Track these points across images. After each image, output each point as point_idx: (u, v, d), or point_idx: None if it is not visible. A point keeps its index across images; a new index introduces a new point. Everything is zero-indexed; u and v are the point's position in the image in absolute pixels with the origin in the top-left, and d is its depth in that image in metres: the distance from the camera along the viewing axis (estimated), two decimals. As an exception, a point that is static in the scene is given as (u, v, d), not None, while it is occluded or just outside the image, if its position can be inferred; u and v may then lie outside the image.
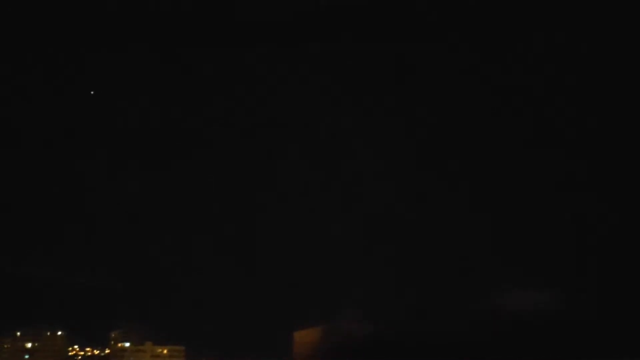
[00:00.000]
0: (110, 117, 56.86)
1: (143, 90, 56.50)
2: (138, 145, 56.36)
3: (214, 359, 53.24)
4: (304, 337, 49.72)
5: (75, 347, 57.53)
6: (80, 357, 57.71)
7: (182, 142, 57.02)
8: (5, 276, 52.30)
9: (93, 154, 56.18)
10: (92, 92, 56.24)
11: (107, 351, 57.23)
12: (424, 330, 46.13)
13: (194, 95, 57.28)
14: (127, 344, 55.97)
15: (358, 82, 55.27)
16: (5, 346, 55.27)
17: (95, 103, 57.01)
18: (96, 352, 57.94)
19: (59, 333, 56.55)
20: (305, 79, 54.38)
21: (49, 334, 56.17)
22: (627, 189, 48.62)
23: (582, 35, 50.29)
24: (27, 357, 54.94)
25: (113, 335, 56.77)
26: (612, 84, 49.88)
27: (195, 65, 56.81)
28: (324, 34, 54.62)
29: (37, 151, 56.12)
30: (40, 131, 56.07)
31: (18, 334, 55.69)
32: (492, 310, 46.86)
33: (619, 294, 45.33)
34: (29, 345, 55.33)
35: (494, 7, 51.86)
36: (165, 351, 55.70)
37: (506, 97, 52.03)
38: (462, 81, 53.47)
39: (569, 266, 48.36)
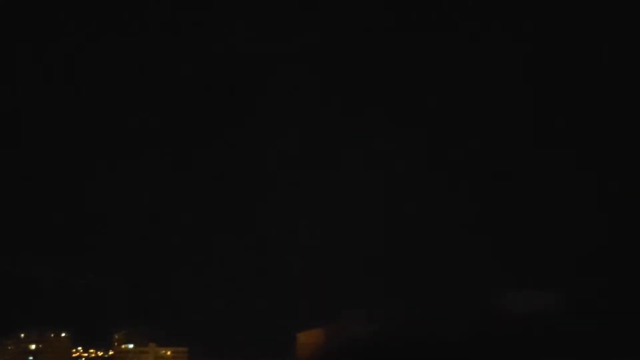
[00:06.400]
0: (112, 119, 56.83)
1: (142, 93, 56.47)
2: (141, 148, 56.36)
3: (217, 360, 53.42)
4: (308, 338, 49.95)
5: (79, 348, 57.68)
6: (84, 359, 57.89)
7: (184, 144, 57.02)
8: (10, 278, 52.39)
9: (97, 156, 56.15)
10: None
11: (110, 352, 57.37)
12: (425, 331, 46.29)
13: (195, 97, 57.20)
14: (131, 346, 56.16)
15: (357, 82, 55.31)
16: (10, 347, 55.46)
17: (96, 105, 56.92)
18: (100, 353, 58.09)
19: (63, 334, 56.71)
20: (304, 78, 54.43)
21: (53, 335, 56.31)
22: (627, 191, 48.73)
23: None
24: (31, 358, 55.10)
25: (116, 336, 56.90)
26: (612, 89, 50.02)
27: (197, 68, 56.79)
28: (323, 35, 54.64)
29: (40, 154, 56.08)
30: (43, 134, 56.02)
31: (22, 335, 55.86)
32: (492, 312, 47.00)
33: (619, 295, 45.45)
34: (33, 346, 55.48)
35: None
36: (168, 352, 55.89)
37: (507, 98, 52.04)
38: (464, 82, 53.52)
39: (569, 268, 48.50)
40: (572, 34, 51.74)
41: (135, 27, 55.43)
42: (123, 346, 56.74)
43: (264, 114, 55.44)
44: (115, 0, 56.95)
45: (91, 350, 58.60)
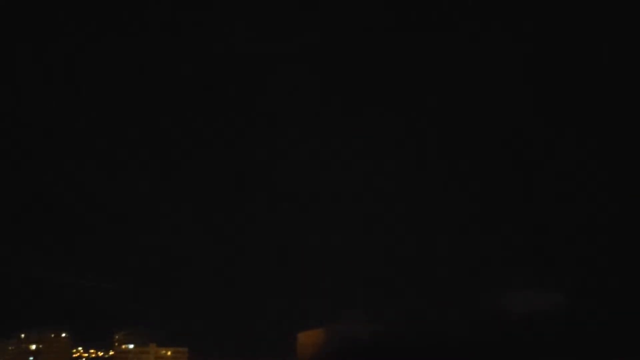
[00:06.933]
0: (112, 119, 56.83)
1: (142, 93, 56.48)
2: (141, 148, 56.35)
3: (218, 361, 53.44)
4: (308, 338, 49.87)
5: (80, 348, 57.71)
6: (84, 359, 57.93)
7: (184, 144, 57.02)
8: (10, 278, 52.40)
9: (97, 156, 56.13)
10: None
11: (110, 353, 57.42)
12: (426, 331, 46.31)
13: (190, 97, 57.24)
14: (131, 346, 56.18)
15: (356, 81, 55.33)
16: (10, 348, 55.49)
17: (96, 106, 56.93)
18: (100, 353, 58.12)
19: (64, 335, 56.75)
20: (303, 78, 54.44)
21: (53, 335, 56.36)
22: (627, 191, 48.74)
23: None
24: (31, 358, 55.10)
25: (117, 337, 56.93)
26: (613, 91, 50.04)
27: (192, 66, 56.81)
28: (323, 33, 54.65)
29: (40, 155, 56.07)
30: (43, 134, 55.99)
31: (23, 335, 55.89)
32: (492, 312, 47.02)
33: (619, 295, 45.47)
34: (34, 347, 55.52)
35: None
36: (169, 353, 55.89)
37: (507, 98, 52.03)
38: (464, 80, 53.52)
39: (569, 268, 48.52)
40: (573, 34, 51.77)
41: (135, 27, 55.42)
42: (123, 346, 56.81)
43: (264, 114, 55.46)
44: (115, 0, 56.93)
45: (91, 351, 58.66)
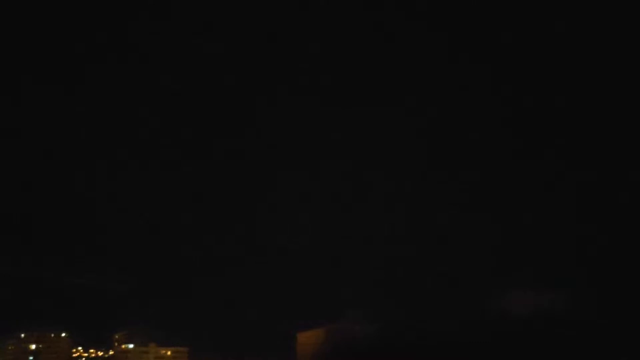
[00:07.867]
0: (115, 123, 56.92)
1: (144, 96, 56.54)
2: (141, 149, 56.41)
3: (217, 360, 53.41)
4: (308, 338, 49.91)
5: (79, 348, 57.77)
6: (84, 359, 57.92)
7: (184, 146, 57.07)
8: (10, 278, 52.44)
9: (99, 158, 56.20)
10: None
11: (110, 352, 57.46)
12: (426, 331, 46.25)
13: (190, 97, 57.32)
14: (131, 346, 56.20)
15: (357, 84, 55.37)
16: (10, 347, 55.54)
17: (98, 111, 57.03)
18: (100, 353, 58.18)
19: (63, 335, 56.83)
20: (304, 78, 54.47)
21: (53, 335, 56.47)
22: (628, 192, 48.70)
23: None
24: (31, 358, 55.20)
25: (117, 337, 57.00)
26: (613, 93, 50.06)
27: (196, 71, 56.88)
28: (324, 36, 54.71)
29: (42, 156, 56.15)
30: (46, 137, 56.08)
31: (22, 335, 55.97)
32: (493, 312, 46.94)
33: (620, 295, 45.39)
34: (34, 346, 55.60)
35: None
36: (168, 352, 55.88)
37: (508, 99, 52.03)
38: (464, 83, 53.57)
39: (570, 268, 48.45)
40: (573, 34, 51.78)
41: (135, 28, 55.51)
42: (123, 346, 56.87)
43: (264, 114, 55.50)
44: (114, 1, 57.06)
45: (91, 350, 58.73)
